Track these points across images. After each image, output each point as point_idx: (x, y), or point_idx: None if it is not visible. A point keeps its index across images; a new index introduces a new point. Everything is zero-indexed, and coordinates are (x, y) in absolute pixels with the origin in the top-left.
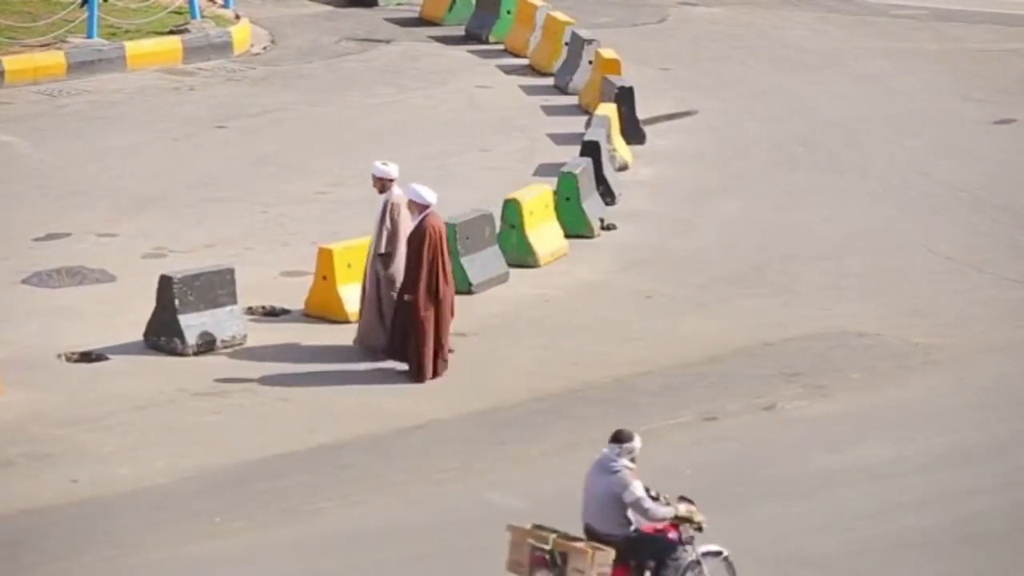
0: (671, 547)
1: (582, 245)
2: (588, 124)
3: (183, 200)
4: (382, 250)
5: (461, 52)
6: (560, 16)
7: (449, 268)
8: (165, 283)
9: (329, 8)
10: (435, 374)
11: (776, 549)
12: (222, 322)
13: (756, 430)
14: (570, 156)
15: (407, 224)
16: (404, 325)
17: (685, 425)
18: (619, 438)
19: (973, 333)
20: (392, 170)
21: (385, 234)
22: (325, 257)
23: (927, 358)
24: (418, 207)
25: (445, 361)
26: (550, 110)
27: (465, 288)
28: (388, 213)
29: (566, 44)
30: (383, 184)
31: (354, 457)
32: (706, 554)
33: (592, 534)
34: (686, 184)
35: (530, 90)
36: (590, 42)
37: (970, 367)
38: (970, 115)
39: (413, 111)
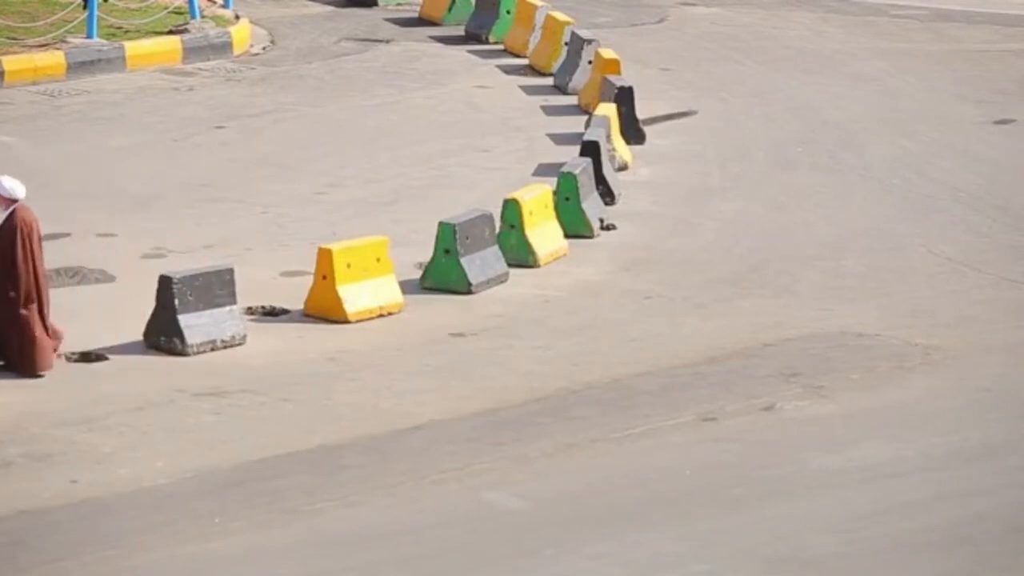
0: None
1: (582, 245)
2: (588, 124)
3: (182, 200)
4: None
5: (461, 52)
6: (560, 16)
7: (41, 262)
8: (165, 283)
9: (329, 8)
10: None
11: (776, 549)
12: (222, 322)
13: (756, 430)
14: (570, 156)
15: None
16: (3, 322)
17: (685, 425)
18: None
19: (972, 333)
20: None
21: None
22: (325, 257)
23: (926, 358)
24: (5, 201)
25: (56, 352)
26: (550, 110)
27: (465, 288)
28: None
29: (565, 44)
30: None
31: (353, 458)
32: None
33: None
34: (686, 184)
35: (530, 90)
36: (590, 42)
37: (970, 367)
38: (969, 115)
39: (412, 111)
